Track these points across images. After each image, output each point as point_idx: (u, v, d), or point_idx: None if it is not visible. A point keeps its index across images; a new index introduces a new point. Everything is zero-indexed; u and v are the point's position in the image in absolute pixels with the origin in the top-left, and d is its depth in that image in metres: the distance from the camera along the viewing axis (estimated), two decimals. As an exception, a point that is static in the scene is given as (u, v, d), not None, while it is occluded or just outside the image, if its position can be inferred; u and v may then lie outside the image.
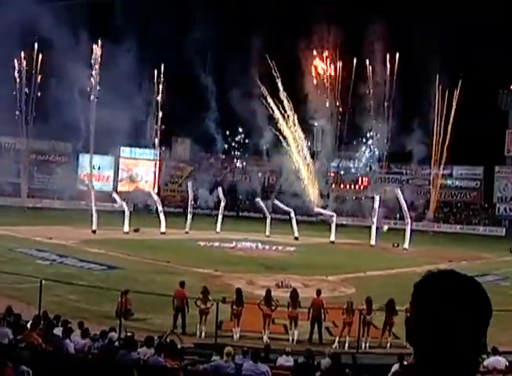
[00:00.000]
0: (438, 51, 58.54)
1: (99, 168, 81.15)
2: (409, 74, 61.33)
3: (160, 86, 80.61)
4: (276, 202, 56.38)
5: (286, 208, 55.34)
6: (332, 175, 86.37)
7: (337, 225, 52.83)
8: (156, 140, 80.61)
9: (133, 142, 79.43)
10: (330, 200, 58.76)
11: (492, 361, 14.14)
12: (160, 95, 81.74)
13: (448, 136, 67.08)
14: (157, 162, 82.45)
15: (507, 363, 14.18)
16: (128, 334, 15.29)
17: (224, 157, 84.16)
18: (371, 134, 66.59)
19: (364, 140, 67.94)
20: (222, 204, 56.32)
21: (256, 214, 64.00)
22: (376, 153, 69.40)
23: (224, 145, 75.75)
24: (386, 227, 55.26)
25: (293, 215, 53.99)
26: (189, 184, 57.38)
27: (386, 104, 64.47)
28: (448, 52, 58.59)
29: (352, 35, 62.90)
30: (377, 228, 51.93)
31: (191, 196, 56.08)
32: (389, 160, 79.45)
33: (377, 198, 52.82)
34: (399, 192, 52.03)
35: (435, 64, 59.91)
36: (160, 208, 52.84)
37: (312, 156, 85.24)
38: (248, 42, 62.91)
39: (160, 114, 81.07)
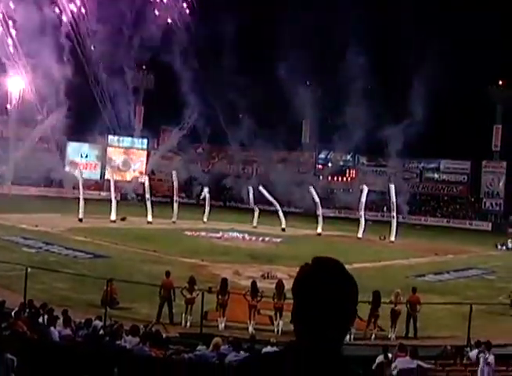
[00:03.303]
0: (424, 45, 58.90)
1: (86, 156, 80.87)
2: (391, 65, 61.34)
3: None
4: (262, 190, 55.80)
5: (270, 199, 55.02)
6: (320, 167, 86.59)
7: (324, 218, 52.87)
8: (137, 127, 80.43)
9: (120, 131, 79.31)
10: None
11: (475, 354, 14.25)
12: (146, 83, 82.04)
13: (436, 130, 66.96)
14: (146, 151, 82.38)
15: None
16: (113, 322, 15.28)
17: (210, 146, 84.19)
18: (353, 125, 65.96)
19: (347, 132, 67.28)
20: (207, 196, 56.16)
21: (243, 204, 63.82)
22: (360, 145, 69.25)
23: (211, 134, 75.62)
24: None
25: (278, 207, 53.85)
26: (174, 173, 57.03)
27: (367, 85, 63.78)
28: (435, 46, 58.71)
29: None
30: (366, 220, 52.01)
31: (176, 185, 55.84)
32: (375, 152, 79.79)
33: (365, 189, 52.69)
34: (392, 187, 52.04)
35: (421, 58, 60.12)
36: (147, 197, 52.64)
37: (300, 147, 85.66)
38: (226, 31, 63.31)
39: (146, 103, 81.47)
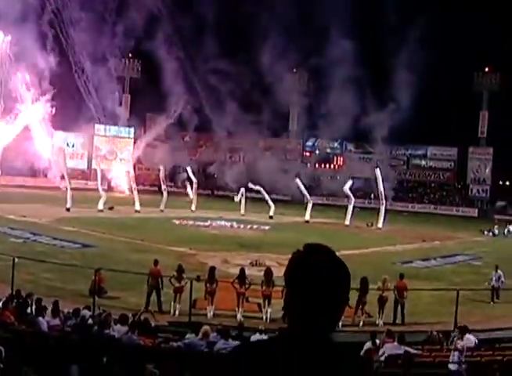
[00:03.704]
0: (409, 31, 58.99)
1: (72, 145, 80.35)
2: (378, 52, 61.28)
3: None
4: (252, 186, 56.21)
5: (258, 188, 55.24)
6: (307, 154, 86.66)
7: (313, 205, 52.98)
8: (124, 115, 79.92)
9: (106, 120, 78.85)
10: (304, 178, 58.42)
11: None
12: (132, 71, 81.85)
13: (422, 117, 67.02)
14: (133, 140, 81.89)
15: (477, 341, 14.44)
16: (101, 311, 15.27)
17: (197, 134, 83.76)
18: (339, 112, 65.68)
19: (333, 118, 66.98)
20: (195, 183, 56.15)
21: (231, 192, 63.75)
22: (347, 132, 69.08)
23: (198, 122, 75.21)
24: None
25: (264, 192, 53.91)
26: (161, 168, 57.27)
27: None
28: (421, 32, 58.79)
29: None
30: (354, 207, 52.17)
31: (163, 174, 55.99)
32: (362, 140, 79.87)
33: (349, 182, 53.01)
34: (378, 173, 52.18)
35: (407, 45, 60.20)
36: (134, 186, 52.65)
37: (287, 134, 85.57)
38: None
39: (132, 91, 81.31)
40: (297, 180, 54.51)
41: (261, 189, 54.62)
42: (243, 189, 54.65)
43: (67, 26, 64.28)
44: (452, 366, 12.53)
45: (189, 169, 58.84)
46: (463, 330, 13.80)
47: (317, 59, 64.36)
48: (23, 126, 66.14)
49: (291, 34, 62.59)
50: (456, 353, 12.67)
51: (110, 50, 69.84)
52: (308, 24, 63.58)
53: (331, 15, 59.91)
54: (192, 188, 56.44)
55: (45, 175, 65.85)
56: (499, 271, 23.59)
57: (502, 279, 23.30)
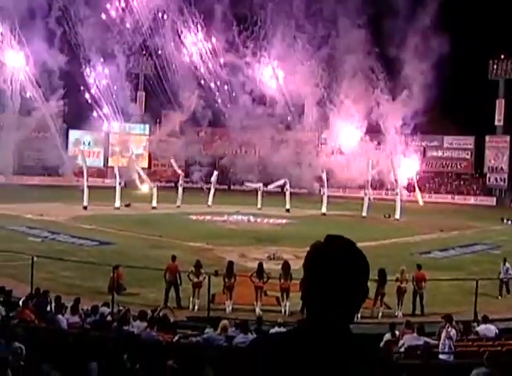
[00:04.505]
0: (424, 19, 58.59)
1: (89, 143, 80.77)
2: (391, 41, 60.85)
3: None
4: (269, 186, 56.51)
5: (279, 183, 55.39)
6: (323, 146, 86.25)
7: (328, 197, 53.01)
8: (138, 112, 79.94)
9: (121, 117, 78.97)
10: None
11: (482, 329, 14.32)
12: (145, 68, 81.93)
13: (438, 106, 66.53)
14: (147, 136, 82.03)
15: (497, 331, 14.34)
16: (120, 308, 15.34)
17: (211, 129, 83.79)
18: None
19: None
20: (212, 189, 56.30)
21: (248, 186, 63.77)
22: (362, 123, 68.65)
23: (212, 117, 75.15)
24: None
25: (287, 186, 53.93)
26: (173, 161, 57.91)
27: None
28: (437, 21, 58.30)
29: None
30: (369, 199, 52.09)
31: (177, 167, 56.40)
32: (377, 131, 79.41)
33: (370, 170, 53.11)
34: (396, 165, 52.44)
35: (422, 33, 59.83)
36: (151, 184, 52.91)
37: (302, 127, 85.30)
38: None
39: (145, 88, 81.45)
40: (324, 174, 54.97)
41: (282, 183, 54.83)
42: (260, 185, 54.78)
43: (76, 23, 63.96)
44: (443, 357, 12.42)
45: (214, 174, 58.92)
46: (450, 319, 13.66)
47: (329, 49, 64.16)
48: (35, 125, 66.17)
49: (302, 24, 62.53)
50: (447, 342, 12.57)
51: (122, 47, 69.73)
52: (318, 14, 63.44)
53: (342, 3, 59.82)
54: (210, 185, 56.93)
55: (60, 174, 66.01)
56: (507, 264, 23.04)
57: (511, 271, 22.84)
